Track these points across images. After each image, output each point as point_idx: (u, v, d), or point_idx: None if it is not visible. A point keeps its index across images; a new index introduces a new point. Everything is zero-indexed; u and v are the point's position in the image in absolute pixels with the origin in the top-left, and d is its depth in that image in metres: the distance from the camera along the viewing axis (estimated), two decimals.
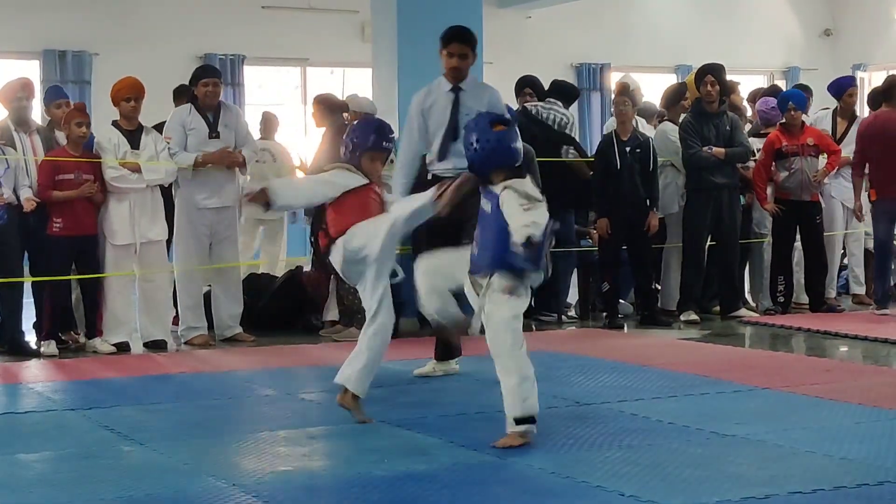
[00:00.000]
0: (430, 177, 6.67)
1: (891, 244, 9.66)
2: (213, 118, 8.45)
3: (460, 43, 6.60)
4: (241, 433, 5.33)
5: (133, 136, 8.25)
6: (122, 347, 8.15)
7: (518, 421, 4.93)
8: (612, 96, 10.25)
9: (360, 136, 5.66)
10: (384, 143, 5.68)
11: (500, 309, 4.89)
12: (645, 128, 10.00)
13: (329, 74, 16.61)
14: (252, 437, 5.21)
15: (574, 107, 10.39)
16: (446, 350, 6.76)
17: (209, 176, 8.42)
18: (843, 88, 10.34)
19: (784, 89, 11.58)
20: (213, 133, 8.41)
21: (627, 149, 9.02)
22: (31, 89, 8.49)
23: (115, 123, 8.36)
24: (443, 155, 6.68)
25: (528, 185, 4.91)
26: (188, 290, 8.55)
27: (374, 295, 5.43)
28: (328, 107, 8.93)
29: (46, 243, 8.08)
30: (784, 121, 9.58)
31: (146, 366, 7.62)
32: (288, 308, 9.19)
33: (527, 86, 10.01)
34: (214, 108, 8.48)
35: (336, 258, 5.49)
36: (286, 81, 16.66)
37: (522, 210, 4.77)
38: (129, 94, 8.26)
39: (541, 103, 9.61)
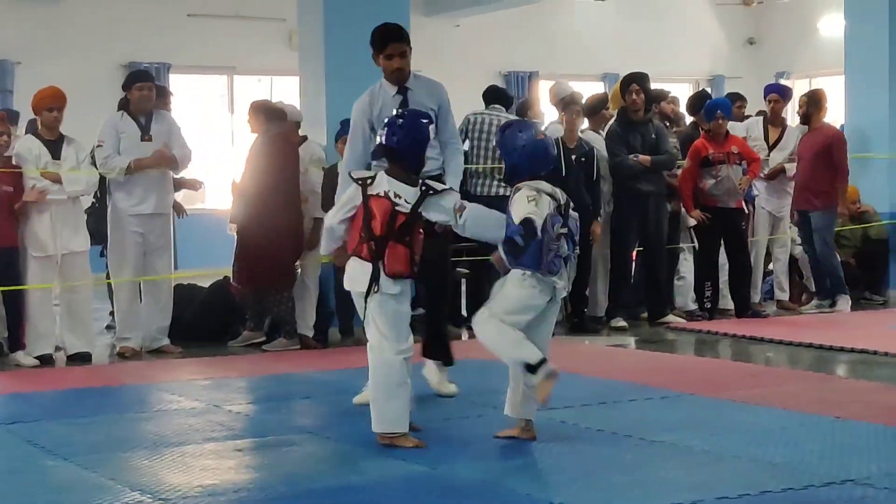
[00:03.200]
0: None
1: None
2: (144, 122, 8.37)
3: (397, 42, 6.19)
4: (167, 446, 5.25)
5: (54, 146, 8.13)
6: (46, 360, 8.02)
7: (531, 369, 4.98)
8: (553, 104, 10.28)
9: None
10: None
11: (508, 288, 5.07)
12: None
13: (256, 83, 16.51)
14: (178, 451, 5.15)
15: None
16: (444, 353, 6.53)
17: (141, 182, 8.34)
18: (764, 95, 10.57)
19: (712, 95, 11.73)
20: (146, 136, 8.34)
21: (573, 156, 9.06)
22: None
23: (35, 133, 8.24)
24: None
25: (542, 183, 5.10)
26: (120, 299, 8.47)
27: (367, 329, 5.17)
28: (266, 114, 8.79)
29: None
30: (710, 128, 9.67)
31: (70, 379, 7.50)
32: (216, 318, 9.10)
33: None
34: (147, 112, 8.40)
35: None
36: (213, 90, 16.53)
37: (528, 201, 4.98)
38: (50, 104, 8.14)
39: (486, 111, 9.59)
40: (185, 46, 15.47)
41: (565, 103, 9.51)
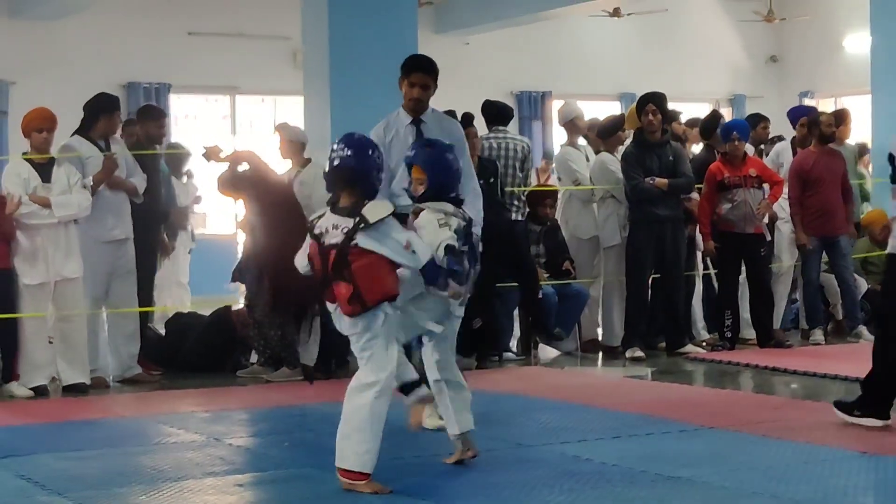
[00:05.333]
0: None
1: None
2: (104, 145, 8.52)
3: (423, 73, 6.49)
4: (166, 481, 5.26)
5: (44, 169, 8.17)
6: (40, 391, 8.05)
7: (404, 389, 5.12)
8: (561, 125, 10.34)
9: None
10: None
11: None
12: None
13: (260, 103, 16.60)
14: (177, 486, 5.16)
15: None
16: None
17: (110, 206, 8.44)
18: (794, 119, 10.50)
19: (728, 116, 11.74)
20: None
21: (480, 181, 9.03)
22: None
23: (25, 156, 8.29)
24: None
25: (446, 205, 5.20)
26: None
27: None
28: (302, 145, 8.88)
29: None
30: (726, 151, 9.67)
31: (65, 411, 7.52)
32: (216, 348, 9.13)
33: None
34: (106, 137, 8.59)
35: None
36: (214, 111, 16.61)
37: (439, 226, 5.08)
38: (40, 125, 8.20)
39: (491, 134, 9.60)
40: (185, 66, 15.56)
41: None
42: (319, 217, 5.05)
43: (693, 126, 10.89)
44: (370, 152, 5.09)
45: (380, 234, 4.89)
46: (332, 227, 4.95)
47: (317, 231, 4.99)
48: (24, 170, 8.14)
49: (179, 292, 11.04)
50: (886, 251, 6.48)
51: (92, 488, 5.17)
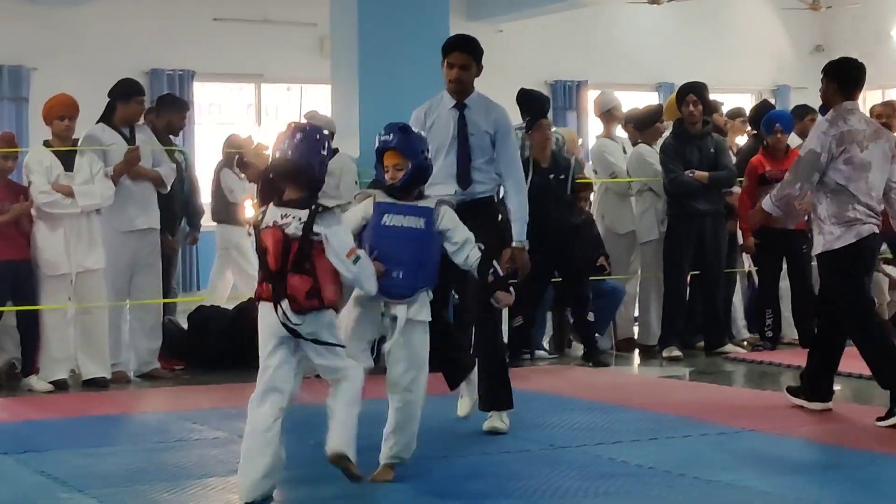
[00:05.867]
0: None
1: None
2: (129, 133, 8.54)
3: (461, 52, 6.32)
4: (188, 479, 5.29)
5: (66, 157, 8.22)
6: (60, 385, 8.10)
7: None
8: (597, 116, 10.32)
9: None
10: None
11: (422, 336, 5.20)
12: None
13: (285, 91, 16.63)
14: (200, 484, 5.19)
15: None
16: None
17: (133, 196, 8.46)
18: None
19: (775, 107, 11.66)
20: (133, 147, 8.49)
21: (551, 176, 9.01)
22: None
23: (46, 144, 8.33)
24: (455, 179, 6.28)
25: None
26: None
27: None
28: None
29: None
30: (768, 143, 9.61)
31: (86, 406, 7.56)
32: (240, 343, 9.15)
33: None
34: (131, 125, 8.60)
35: None
36: (239, 99, 16.66)
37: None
38: (62, 113, 8.24)
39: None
40: (210, 53, 15.60)
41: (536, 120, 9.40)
42: (264, 213, 4.89)
43: (735, 117, 10.84)
44: (316, 144, 4.92)
45: (334, 221, 4.83)
46: (280, 217, 4.81)
47: (266, 224, 4.84)
48: (46, 158, 8.19)
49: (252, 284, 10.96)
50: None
51: (113, 485, 5.20)
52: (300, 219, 4.78)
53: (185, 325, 9.52)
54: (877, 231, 6.69)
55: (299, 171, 4.86)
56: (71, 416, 7.18)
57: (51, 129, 8.31)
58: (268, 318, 4.82)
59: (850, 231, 6.55)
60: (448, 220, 5.28)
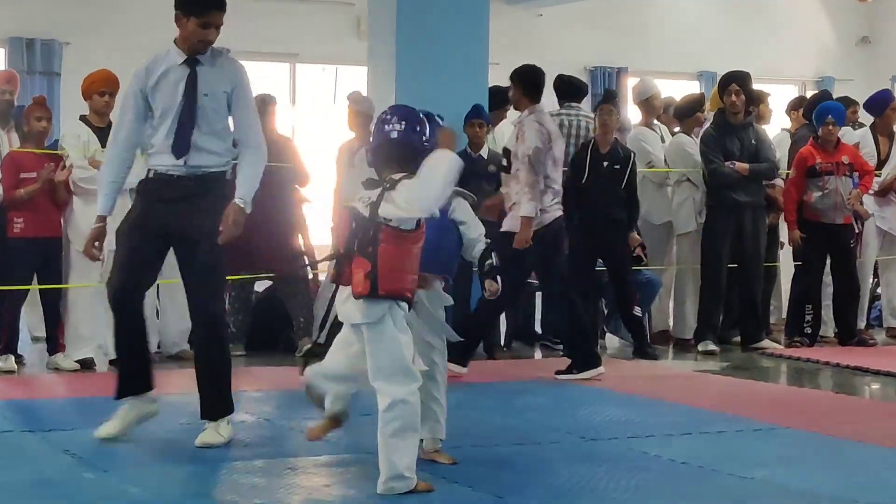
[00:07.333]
0: (149, 174, 5.70)
1: None
2: None
3: (220, 10, 5.79)
4: (214, 461, 5.31)
5: (103, 133, 8.21)
6: (87, 364, 8.13)
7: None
8: (636, 104, 10.29)
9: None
10: None
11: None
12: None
13: (321, 72, 16.63)
14: (225, 467, 5.21)
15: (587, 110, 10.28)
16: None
17: None
18: (885, 104, 10.32)
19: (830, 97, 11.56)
20: None
21: (605, 163, 8.98)
22: (16, 81, 8.51)
23: (83, 118, 8.35)
24: (178, 149, 5.54)
25: None
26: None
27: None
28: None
29: (7, 247, 8.05)
30: (819, 135, 9.54)
31: (112, 385, 7.55)
32: (268, 326, 9.17)
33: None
34: None
35: None
36: (273, 78, 16.67)
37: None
38: (102, 88, 8.25)
39: (563, 111, 9.58)
40: (243, 31, 15.48)
41: (599, 103, 9.41)
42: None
43: (797, 108, 10.78)
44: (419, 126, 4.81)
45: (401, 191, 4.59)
46: (360, 200, 4.68)
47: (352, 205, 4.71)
48: (83, 132, 8.21)
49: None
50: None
51: (136, 466, 5.23)
52: (370, 199, 4.64)
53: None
54: None
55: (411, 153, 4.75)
56: (97, 395, 7.19)
57: (89, 105, 8.31)
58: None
59: None
60: (461, 211, 5.21)
